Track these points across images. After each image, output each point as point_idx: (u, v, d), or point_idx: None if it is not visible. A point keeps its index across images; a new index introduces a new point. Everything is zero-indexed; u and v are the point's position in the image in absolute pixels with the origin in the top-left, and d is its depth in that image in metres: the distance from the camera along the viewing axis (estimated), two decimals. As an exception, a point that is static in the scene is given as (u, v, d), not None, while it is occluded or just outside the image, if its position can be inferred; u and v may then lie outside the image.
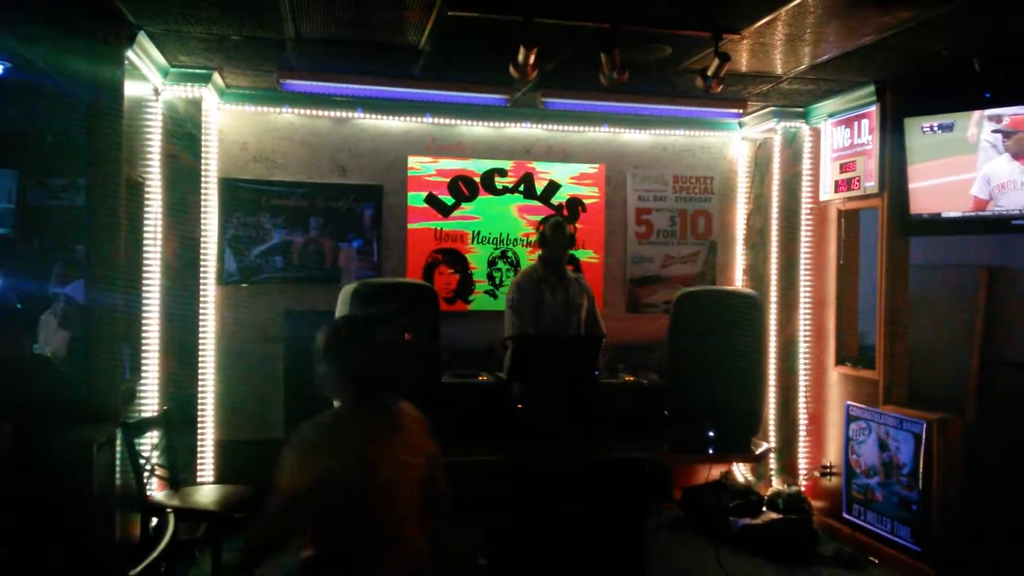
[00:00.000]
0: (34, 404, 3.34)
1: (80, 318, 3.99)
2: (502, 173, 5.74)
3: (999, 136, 4.39)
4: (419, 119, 5.53)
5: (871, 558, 4.79)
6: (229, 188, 5.28)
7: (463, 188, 5.67)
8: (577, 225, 5.68)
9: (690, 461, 5.22)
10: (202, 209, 4.93)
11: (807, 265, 5.55)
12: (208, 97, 4.91)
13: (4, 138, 4.15)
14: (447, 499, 2.66)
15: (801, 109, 5.52)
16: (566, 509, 3.81)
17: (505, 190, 5.75)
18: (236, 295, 5.31)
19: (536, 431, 3.86)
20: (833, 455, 5.28)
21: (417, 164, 5.58)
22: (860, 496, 4.92)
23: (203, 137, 4.92)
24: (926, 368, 4.90)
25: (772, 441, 5.55)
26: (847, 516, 5.01)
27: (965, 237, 4.73)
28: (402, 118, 5.51)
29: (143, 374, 4.55)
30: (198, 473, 4.87)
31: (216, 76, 4.80)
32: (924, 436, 4.44)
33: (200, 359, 4.91)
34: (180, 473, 4.35)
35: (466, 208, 5.68)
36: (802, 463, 5.49)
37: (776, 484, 5.54)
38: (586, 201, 5.86)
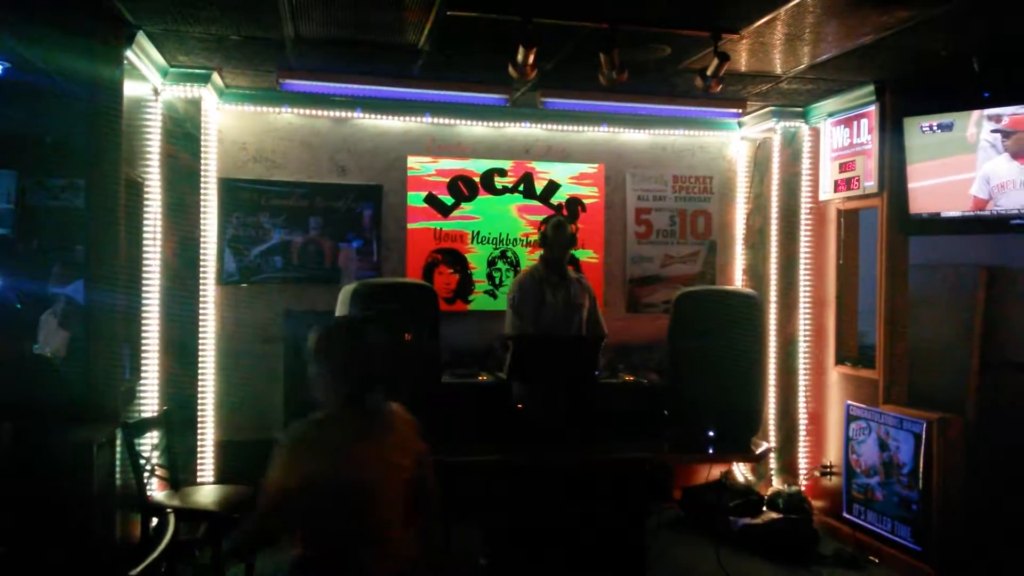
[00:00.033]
0: (34, 404, 3.34)
1: (80, 318, 3.99)
2: (502, 173, 5.74)
3: (998, 136, 4.39)
4: (418, 119, 5.53)
5: (871, 558, 4.79)
6: (229, 188, 5.28)
7: (463, 188, 5.67)
8: (577, 225, 5.68)
9: (690, 461, 5.22)
10: (202, 209, 4.92)
11: (807, 265, 5.55)
12: (207, 97, 4.91)
13: (3, 138, 4.16)
14: (437, 498, 2.68)
15: (800, 109, 5.52)
16: (566, 509, 3.81)
17: (505, 190, 5.75)
18: (236, 295, 5.31)
19: (536, 431, 3.86)
20: (833, 455, 5.28)
21: (417, 164, 5.58)
22: (860, 496, 4.92)
23: (202, 137, 4.92)
24: (926, 368, 4.90)
25: (772, 441, 5.55)
26: (847, 516, 5.01)
27: (965, 237, 4.73)
28: (401, 118, 5.51)
29: (143, 374, 4.55)
30: (198, 473, 4.87)
31: (215, 76, 4.80)
32: (924, 436, 4.44)
33: (200, 359, 4.91)
34: (180, 473, 4.35)
35: (466, 208, 5.68)
36: (802, 463, 5.49)
37: (776, 484, 5.54)
38: (586, 201, 5.86)
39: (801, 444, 5.50)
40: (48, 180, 4.21)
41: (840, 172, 5.24)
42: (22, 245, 4.32)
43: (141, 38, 4.07)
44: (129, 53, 4.01)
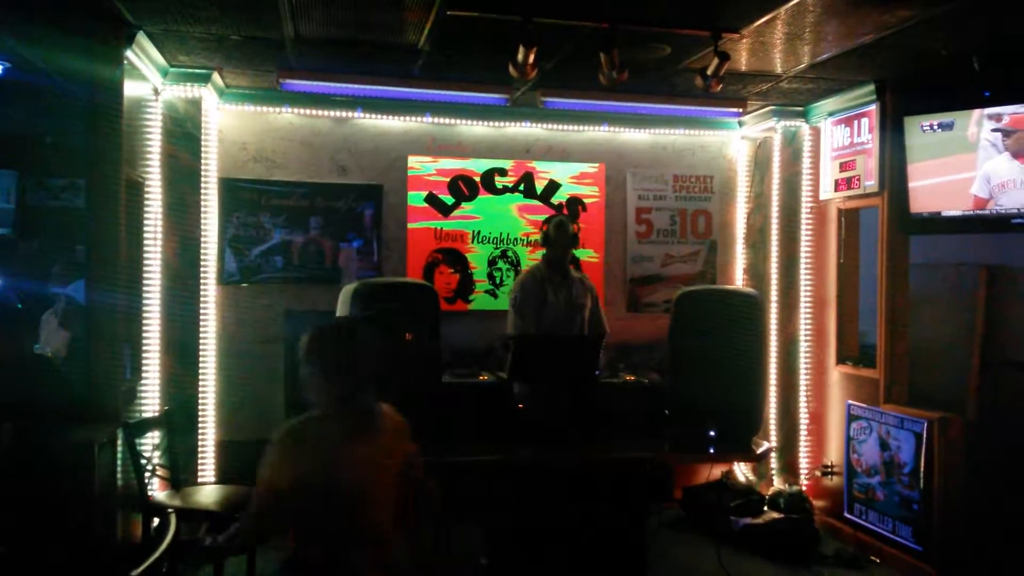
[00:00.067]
0: (35, 404, 3.34)
1: (81, 318, 3.99)
2: (502, 172, 5.73)
3: (999, 135, 4.39)
4: (419, 119, 5.53)
5: (872, 558, 4.79)
6: (229, 188, 5.28)
7: (463, 188, 5.67)
8: (579, 224, 5.68)
9: (691, 460, 5.22)
10: (202, 209, 4.93)
11: (807, 264, 5.55)
12: (208, 97, 4.91)
13: (3, 138, 4.15)
14: (436, 499, 2.70)
15: (801, 108, 5.52)
16: (567, 509, 3.81)
17: (505, 189, 5.75)
18: (236, 295, 5.32)
19: (537, 431, 3.86)
20: (834, 454, 5.27)
21: (417, 164, 5.58)
22: (861, 495, 4.91)
23: (203, 137, 4.92)
24: (927, 367, 4.90)
25: (773, 440, 5.55)
26: (848, 516, 5.01)
27: (965, 236, 4.73)
28: (402, 118, 5.51)
29: (144, 374, 4.55)
30: (199, 473, 4.88)
31: (216, 76, 4.80)
32: (925, 435, 4.43)
33: (201, 359, 4.91)
34: (181, 473, 4.35)
35: (466, 208, 5.68)
36: (803, 462, 5.49)
37: (777, 483, 5.54)
38: (586, 200, 5.86)
39: (802, 444, 5.50)
40: (49, 180, 4.21)
41: (841, 171, 5.23)
42: (23, 245, 4.32)
43: (141, 38, 4.07)
44: (129, 53, 4.02)
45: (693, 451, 4.17)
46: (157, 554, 2.30)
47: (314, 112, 5.37)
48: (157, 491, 4.23)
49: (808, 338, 5.55)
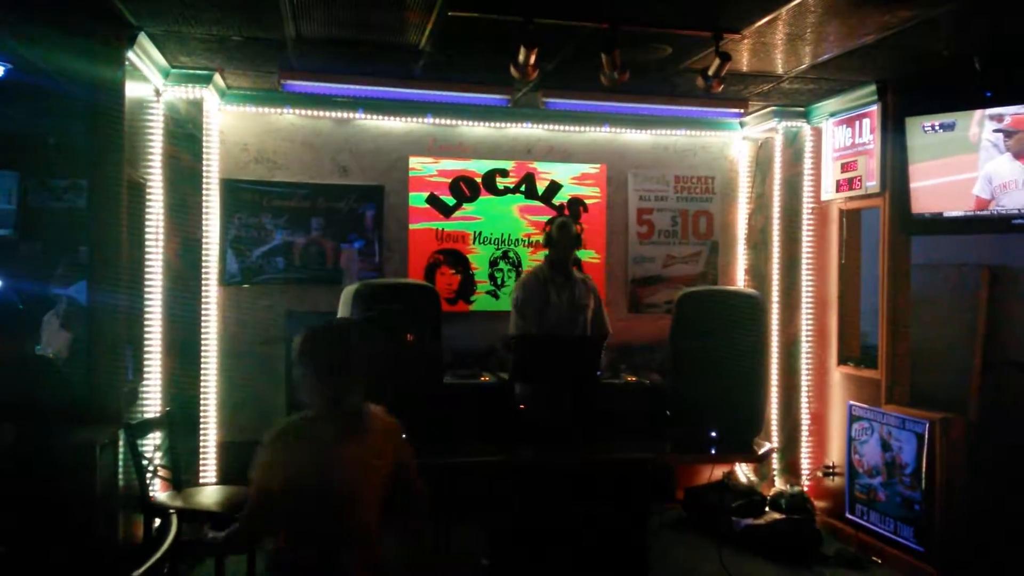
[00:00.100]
0: (36, 405, 3.34)
1: (82, 319, 3.99)
2: (503, 173, 5.73)
3: (1000, 135, 4.38)
4: (420, 119, 5.53)
5: (874, 558, 4.78)
6: (230, 189, 5.29)
7: (464, 188, 5.67)
8: (582, 225, 5.67)
9: (692, 461, 5.23)
10: (203, 210, 4.93)
11: (809, 265, 5.55)
12: (209, 98, 4.92)
13: (5, 139, 4.15)
14: (425, 499, 2.70)
15: (802, 109, 5.52)
16: (568, 509, 3.80)
17: (506, 190, 5.75)
18: (238, 296, 5.32)
19: (538, 431, 3.85)
20: (836, 455, 5.27)
21: (418, 164, 5.58)
22: (863, 496, 4.91)
23: (204, 138, 4.93)
24: (928, 368, 4.90)
25: (774, 441, 5.55)
26: (850, 516, 5.01)
27: (967, 237, 4.72)
28: (403, 118, 5.52)
29: (145, 375, 4.55)
30: (200, 474, 4.88)
31: (217, 77, 4.81)
32: (927, 436, 4.43)
33: (202, 360, 4.91)
34: (182, 474, 4.35)
35: (467, 208, 5.68)
36: (805, 463, 5.48)
37: (779, 484, 5.54)
38: (587, 201, 5.85)
39: (803, 444, 5.49)
40: (50, 181, 4.20)
41: (842, 172, 5.23)
42: (24, 246, 4.31)
43: (143, 39, 4.08)
44: (131, 54, 4.02)
45: (694, 452, 4.17)
46: (159, 554, 2.30)
47: (315, 113, 5.37)
48: (158, 492, 4.23)
49: (809, 339, 5.54)
